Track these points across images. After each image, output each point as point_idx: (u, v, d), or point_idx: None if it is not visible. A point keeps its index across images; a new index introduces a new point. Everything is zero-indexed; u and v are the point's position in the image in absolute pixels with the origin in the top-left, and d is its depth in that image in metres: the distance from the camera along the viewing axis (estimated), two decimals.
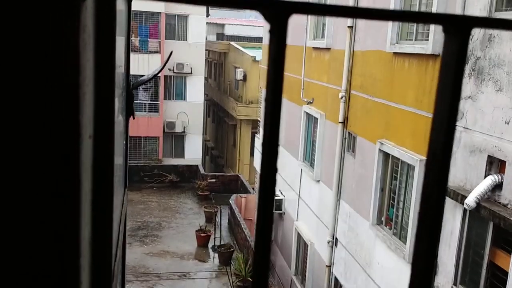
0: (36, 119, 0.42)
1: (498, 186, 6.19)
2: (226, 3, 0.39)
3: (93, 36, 0.51)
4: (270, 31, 0.41)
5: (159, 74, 25.66)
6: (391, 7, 8.89)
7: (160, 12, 26.01)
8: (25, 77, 0.42)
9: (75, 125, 0.42)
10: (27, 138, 0.43)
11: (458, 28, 0.41)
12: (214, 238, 18.01)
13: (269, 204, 0.48)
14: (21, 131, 0.42)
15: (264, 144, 0.43)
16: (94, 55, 0.52)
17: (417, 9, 8.40)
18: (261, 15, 0.40)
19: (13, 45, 0.42)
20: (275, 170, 0.47)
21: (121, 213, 1.41)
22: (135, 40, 25.44)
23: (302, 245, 13.62)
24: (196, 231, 18.35)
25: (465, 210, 6.68)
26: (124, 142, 1.67)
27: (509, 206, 6.02)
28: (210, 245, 18.12)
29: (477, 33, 6.72)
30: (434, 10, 7.60)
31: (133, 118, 1.76)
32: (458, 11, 7.03)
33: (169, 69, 26.21)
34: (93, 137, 0.56)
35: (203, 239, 18.09)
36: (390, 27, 8.94)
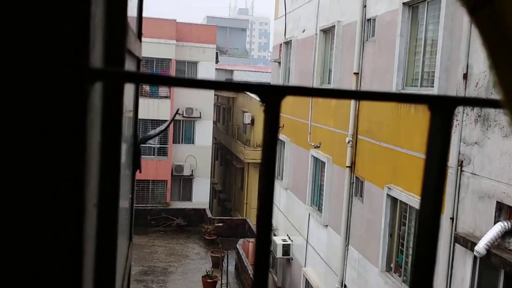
0: (41, 194, 0.45)
1: (508, 233, 6.09)
2: (229, 87, 0.43)
3: (100, 113, 0.55)
4: (264, 111, 0.43)
5: (168, 120, 25.96)
6: (395, 59, 9.04)
7: (171, 59, 26.62)
8: (33, 155, 0.45)
9: (80, 200, 0.45)
10: (31, 212, 0.46)
11: (441, 108, 0.44)
12: (221, 284, 17.67)
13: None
14: (25, 206, 0.45)
15: (259, 216, 0.45)
16: (102, 130, 0.56)
17: (421, 58, 8.54)
18: (258, 97, 0.43)
19: (23, 127, 0.45)
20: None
21: (124, 267, 1.41)
22: (145, 86, 25.94)
23: None
24: (202, 276, 18.03)
25: (475, 257, 6.55)
26: (130, 195, 1.70)
27: None
28: None
29: (481, 80, 6.80)
30: (438, 58, 7.73)
31: (140, 172, 1.79)
32: (462, 58, 7.14)
33: (178, 113, 26.57)
34: (97, 204, 0.59)
35: (209, 285, 17.74)
36: (395, 72, 9.07)
